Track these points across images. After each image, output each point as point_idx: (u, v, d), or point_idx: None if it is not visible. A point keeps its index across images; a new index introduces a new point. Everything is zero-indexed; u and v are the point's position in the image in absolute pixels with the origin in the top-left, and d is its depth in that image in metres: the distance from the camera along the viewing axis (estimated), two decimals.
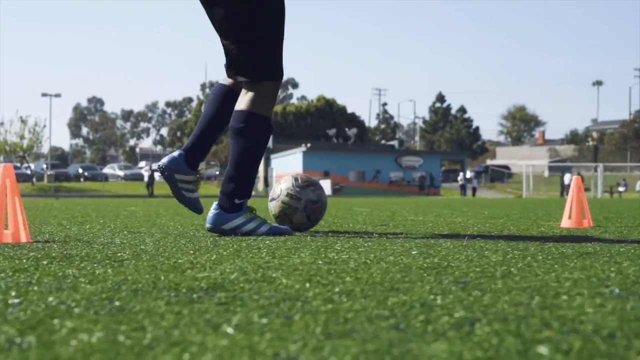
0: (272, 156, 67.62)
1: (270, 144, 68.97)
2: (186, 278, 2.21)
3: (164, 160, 4.41)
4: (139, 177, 69.17)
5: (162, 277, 2.23)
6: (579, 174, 64.78)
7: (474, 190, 62.69)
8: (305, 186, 4.79)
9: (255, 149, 4.26)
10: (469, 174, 72.84)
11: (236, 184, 4.24)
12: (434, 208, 12.15)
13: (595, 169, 57.98)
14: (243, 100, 4.26)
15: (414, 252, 3.07)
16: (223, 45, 4.30)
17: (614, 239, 4.15)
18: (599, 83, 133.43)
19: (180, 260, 2.74)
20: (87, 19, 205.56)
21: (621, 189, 62.21)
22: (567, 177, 60.54)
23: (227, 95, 4.44)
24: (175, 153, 4.44)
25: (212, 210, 4.30)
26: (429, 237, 4.28)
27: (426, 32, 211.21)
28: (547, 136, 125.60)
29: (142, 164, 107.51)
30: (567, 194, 57.54)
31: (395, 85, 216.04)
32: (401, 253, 3.04)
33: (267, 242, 3.69)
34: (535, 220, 7.02)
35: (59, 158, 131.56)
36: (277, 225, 4.43)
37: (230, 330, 1.44)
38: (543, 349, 1.24)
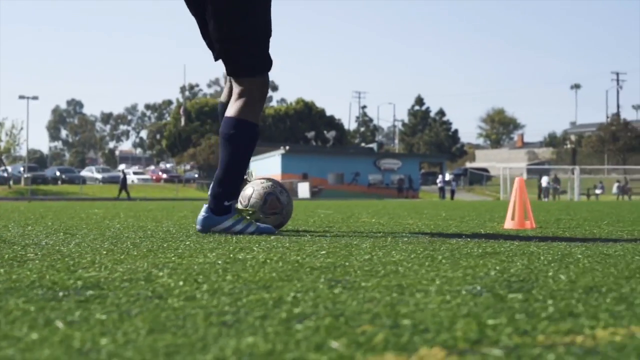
0: (251, 159, 67.52)
1: None
2: (70, 277, 2.24)
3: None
4: (117, 180, 68.78)
5: (47, 277, 2.26)
6: (556, 176, 65.21)
7: (453, 192, 62.93)
8: (272, 214, 4.88)
9: (243, 154, 4.48)
10: (448, 177, 73.13)
11: (224, 187, 4.43)
12: (396, 210, 12.22)
13: (572, 172, 58.30)
14: (233, 108, 4.46)
15: (322, 252, 3.11)
16: (219, 48, 4.46)
17: (537, 238, 4.19)
18: (577, 86, 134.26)
19: (83, 260, 2.77)
20: (66, 22, 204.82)
21: (598, 191, 62.70)
22: (544, 180, 60.89)
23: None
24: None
25: (202, 213, 4.49)
26: (360, 237, 4.32)
27: (405, 34, 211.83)
28: (527, 139, 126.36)
29: (121, 166, 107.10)
30: (544, 197, 57.95)
31: (375, 88, 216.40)
32: (310, 253, 3.08)
33: (189, 242, 3.72)
34: (484, 222, 7.09)
35: (38, 161, 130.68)
36: (263, 225, 4.59)
37: (60, 325, 1.48)
38: (335, 343, 1.29)
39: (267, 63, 4.48)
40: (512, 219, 6.05)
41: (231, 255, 2.97)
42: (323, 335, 1.36)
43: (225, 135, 4.43)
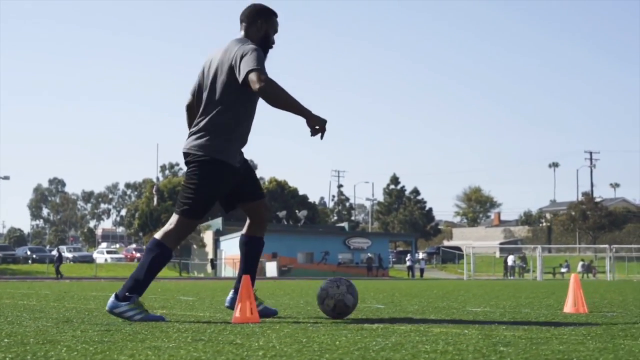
0: (222, 238, 68.07)
1: (220, 226, 69.68)
2: None
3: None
4: (89, 260, 69.53)
5: None
6: (525, 255, 66.23)
7: (422, 271, 63.93)
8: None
9: (153, 266, 5.58)
10: (421, 255, 74.11)
11: (132, 283, 5.55)
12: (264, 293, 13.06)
13: (534, 250, 59.20)
14: (162, 230, 5.66)
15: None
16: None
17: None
18: (555, 165, 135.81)
19: None
20: (48, 102, 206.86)
21: (563, 270, 63.58)
22: (510, 259, 61.94)
23: (243, 240, 6.30)
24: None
25: (111, 298, 5.63)
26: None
27: (382, 112, 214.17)
28: (504, 217, 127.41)
29: (102, 245, 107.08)
30: (510, 275, 58.36)
31: (354, 167, 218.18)
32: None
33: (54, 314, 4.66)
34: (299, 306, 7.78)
35: (18, 239, 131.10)
36: (152, 314, 5.63)
37: None
38: None
39: (194, 214, 5.62)
40: None
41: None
42: None
43: (147, 249, 5.64)
